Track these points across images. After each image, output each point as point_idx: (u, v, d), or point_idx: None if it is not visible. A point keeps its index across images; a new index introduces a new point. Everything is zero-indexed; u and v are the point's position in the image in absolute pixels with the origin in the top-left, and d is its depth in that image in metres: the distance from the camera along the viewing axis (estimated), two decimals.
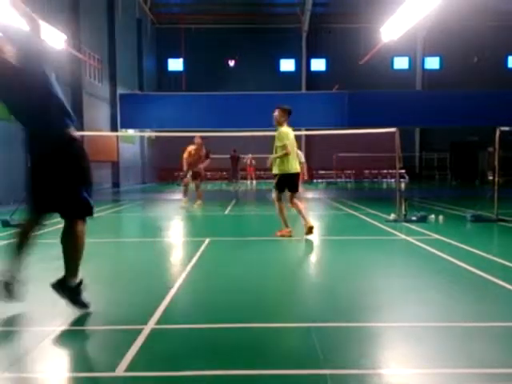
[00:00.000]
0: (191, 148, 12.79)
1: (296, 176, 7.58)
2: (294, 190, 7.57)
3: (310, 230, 7.34)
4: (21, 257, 3.69)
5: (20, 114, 3.54)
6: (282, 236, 7.54)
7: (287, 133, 7.38)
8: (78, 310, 3.71)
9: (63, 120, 3.51)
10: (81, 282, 3.70)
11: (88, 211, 3.62)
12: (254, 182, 28.04)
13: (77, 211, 3.58)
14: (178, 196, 13.00)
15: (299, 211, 7.50)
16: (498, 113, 20.48)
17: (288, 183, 7.48)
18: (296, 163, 7.48)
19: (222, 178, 31.60)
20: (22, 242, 3.67)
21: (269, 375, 2.71)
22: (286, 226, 7.61)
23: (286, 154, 7.27)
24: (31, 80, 3.38)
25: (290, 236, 7.53)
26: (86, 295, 3.76)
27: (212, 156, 27.22)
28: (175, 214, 11.66)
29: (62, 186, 3.50)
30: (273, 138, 7.48)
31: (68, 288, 3.66)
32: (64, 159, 3.47)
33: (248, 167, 27.77)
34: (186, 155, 12.72)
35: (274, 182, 7.61)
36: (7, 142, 14.44)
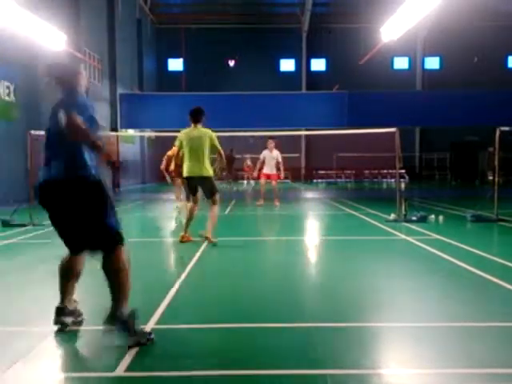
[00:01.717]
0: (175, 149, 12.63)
1: (193, 180, 6.90)
2: (207, 194, 7.00)
3: (206, 238, 6.87)
4: (68, 288, 3.48)
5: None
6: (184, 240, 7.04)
7: (180, 134, 7.03)
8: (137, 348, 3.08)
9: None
10: (133, 312, 3.23)
11: (119, 238, 3.30)
12: (253, 182, 28.03)
13: (113, 243, 3.25)
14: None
15: (209, 218, 6.93)
16: (498, 113, 20.48)
17: (190, 186, 7.03)
18: (193, 166, 6.81)
19: (221, 179, 31.59)
20: (67, 277, 3.47)
21: (269, 375, 2.71)
22: (184, 230, 7.14)
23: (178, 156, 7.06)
24: None
25: (181, 241, 7.03)
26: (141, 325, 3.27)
27: (211, 156, 27.03)
28: (175, 214, 11.65)
29: (90, 222, 3.19)
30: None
31: (120, 321, 3.15)
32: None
33: (247, 168, 27.77)
34: (171, 153, 12.38)
35: None
36: (7, 142, 14.43)
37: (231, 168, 24.04)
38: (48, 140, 3.28)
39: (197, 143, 6.81)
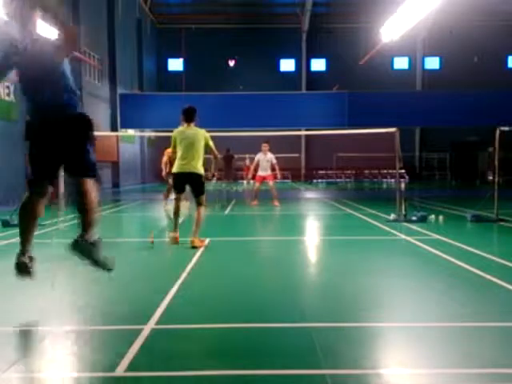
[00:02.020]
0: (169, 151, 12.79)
1: (183, 176, 6.81)
2: (195, 193, 6.89)
3: (192, 246, 6.60)
4: (30, 233, 3.71)
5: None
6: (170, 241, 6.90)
7: (174, 133, 6.98)
8: (100, 271, 3.73)
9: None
10: (100, 240, 3.69)
11: (95, 171, 3.76)
12: (252, 182, 27.99)
13: (89, 170, 3.69)
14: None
15: (195, 220, 6.77)
16: (498, 113, 20.47)
17: (178, 183, 6.94)
18: (185, 163, 6.74)
19: (221, 178, 31.57)
20: (29, 218, 3.69)
21: (269, 375, 2.71)
22: (174, 229, 6.98)
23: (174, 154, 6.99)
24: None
25: (176, 243, 6.84)
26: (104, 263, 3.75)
27: (211, 156, 27.05)
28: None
29: (76, 146, 3.62)
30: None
31: (88, 244, 3.60)
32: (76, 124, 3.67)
33: (246, 168, 27.77)
34: (166, 158, 12.59)
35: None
36: (7, 142, 14.43)
37: (230, 168, 24.00)
38: (31, 85, 3.63)
39: (191, 141, 6.79)
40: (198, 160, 6.80)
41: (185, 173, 6.79)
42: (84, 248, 3.58)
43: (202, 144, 6.85)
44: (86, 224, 3.64)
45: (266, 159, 13.49)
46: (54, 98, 3.61)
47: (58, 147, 3.62)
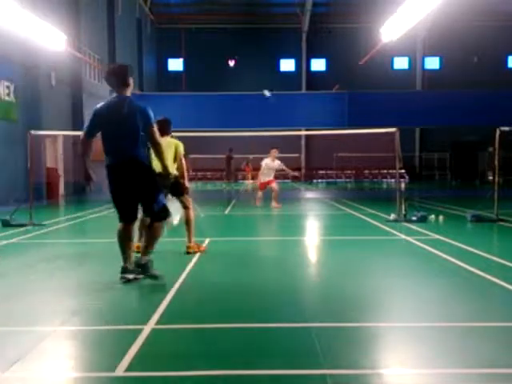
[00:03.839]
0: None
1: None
2: (174, 194, 6.49)
3: (186, 252, 6.33)
4: (129, 251, 4.82)
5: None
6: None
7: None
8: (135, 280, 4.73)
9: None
10: (150, 260, 4.84)
11: (165, 214, 4.91)
12: (251, 181, 27.92)
13: (159, 216, 4.84)
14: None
15: (185, 224, 6.51)
16: (498, 113, 20.50)
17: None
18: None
19: (222, 178, 31.56)
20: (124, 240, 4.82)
21: (269, 375, 2.71)
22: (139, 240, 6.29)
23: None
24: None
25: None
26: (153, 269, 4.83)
27: (211, 156, 27.00)
28: (174, 214, 11.63)
29: (150, 197, 4.77)
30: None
31: (141, 265, 4.73)
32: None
33: (247, 168, 27.73)
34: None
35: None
36: (7, 142, 14.43)
37: (230, 168, 23.97)
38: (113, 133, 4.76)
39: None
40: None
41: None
42: (137, 270, 4.77)
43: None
44: (144, 250, 4.86)
45: (273, 165, 12.84)
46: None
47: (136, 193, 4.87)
